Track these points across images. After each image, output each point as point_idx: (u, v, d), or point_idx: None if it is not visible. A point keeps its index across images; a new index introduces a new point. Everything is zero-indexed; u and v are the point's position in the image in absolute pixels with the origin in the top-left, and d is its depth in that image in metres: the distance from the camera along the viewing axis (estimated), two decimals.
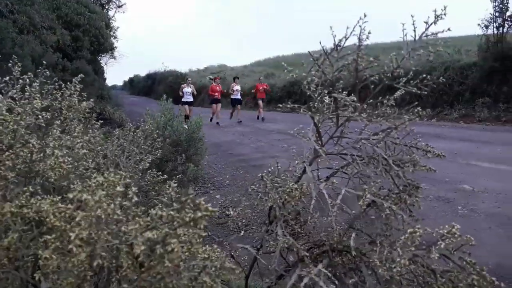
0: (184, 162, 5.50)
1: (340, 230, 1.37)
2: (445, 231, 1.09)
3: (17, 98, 1.31)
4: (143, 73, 47.14)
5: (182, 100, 14.78)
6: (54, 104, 1.49)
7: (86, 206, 0.91)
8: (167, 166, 5.28)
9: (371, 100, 1.47)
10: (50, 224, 0.91)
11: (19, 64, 1.39)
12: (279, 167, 1.55)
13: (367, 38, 1.39)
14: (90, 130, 1.77)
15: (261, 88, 16.77)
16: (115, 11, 22.62)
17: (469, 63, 13.79)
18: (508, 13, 12.68)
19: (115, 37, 19.11)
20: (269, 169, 1.53)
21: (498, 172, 5.99)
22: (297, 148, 8.67)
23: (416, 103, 1.46)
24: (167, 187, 1.11)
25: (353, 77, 1.40)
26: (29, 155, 1.25)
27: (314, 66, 1.40)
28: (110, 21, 19.16)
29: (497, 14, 12.86)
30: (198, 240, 0.91)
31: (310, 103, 1.47)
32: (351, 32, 1.34)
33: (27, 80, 1.35)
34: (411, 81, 1.41)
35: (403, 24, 1.39)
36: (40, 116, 1.37)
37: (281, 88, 21.09)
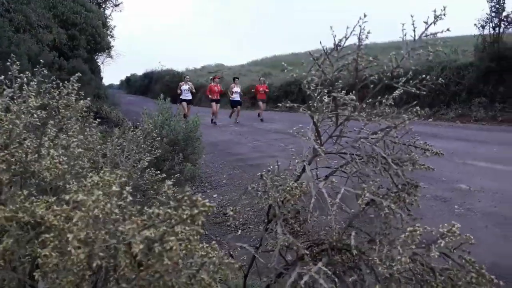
0: (182, 161, 5.49)
1: (339, 229, 1.38)
2: (445, 229, 1.09)
3: (15, 97, 1.30)
4: (140, 72, 47.06)
5: (181, 98, 14.62)
6: (52, 103, 1.48)
7: (83, 206, 0.90)
8: (164, 165, 5.27)
9: (370, 100, 1.47)
10: (48, 223, 0.91)
11: (10, 62, 1.38)
12: (278, 165, 1.55)
13: (367, 37, 1.40)
14: (87, 129, 1.76)
15: (261, 89, 16.50)
16: (112, 10, 22.53)
17: (466, 63, 13.87)
18: (504, 14, 12.76)
19: (111, 36, 19.03)
20: (269, 168, 1.53)
21: (494, 172, 6.03)
22: (294, 147, 8.64)
23: (415, 103, 1.47)
24: (165, 186, 1.11)
25: (353, 76, 1.40)
26: (24, 155, 1.24)
27: (314, 65, 1.40)
28: (107, 20, 19.09)
29: (493, 14, 12.94)
30: (196, 237, 0.91)
31: (310, 102, 1.47)
32: (351, 32, 1.35)
33: (25, 79, 1.34)
34: (411, 81, 1.42)
35: (402, 24, 1.39)
36: (35, 115, 1.36)
37: (278, 88, 21.11)
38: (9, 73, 1.34)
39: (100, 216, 0.90)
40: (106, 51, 18.55)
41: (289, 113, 17.69)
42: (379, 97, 1.47)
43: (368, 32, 1.39)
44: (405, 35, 1.39)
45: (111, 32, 19.00)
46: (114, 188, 0.97)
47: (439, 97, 13.73)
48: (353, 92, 1.44)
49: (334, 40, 1.38)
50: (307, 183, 1.34)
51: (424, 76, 1.41)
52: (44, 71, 1.47)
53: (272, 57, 32.85)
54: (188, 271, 0.97)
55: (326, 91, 1.45)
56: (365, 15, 1.37)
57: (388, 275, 1.07)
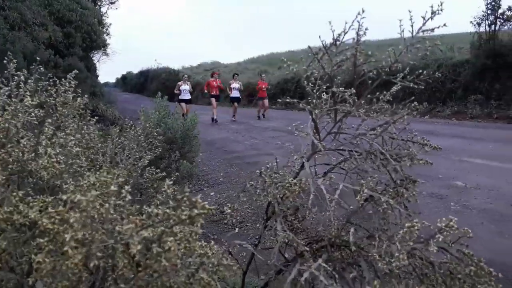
0: (179, 159, 5.48)
1: (338, 225, 1.38)
2: (443, 224, 1.10)
3: (12, 96, 1.29)
4: (135, 70, 46.94)
5: (180, 98, 14.23)
6: (49, 100, 1.47)
7: (79, 206, 0.89)
8: (161, 164, 5.25)
9: (368, 96, 1.47)
10: (42, 227, 0.89)
11: (7, 60, 1.37)
12: (277, 162, 1.55)
13: (365, 34, 1.40)
14: (85, 127, 1.75)
15: (263, 86, 16.09)
16: (108, 8, 22.44)
17: (462, 61, 13.93)
18: (500, 11, 12.81)
19: (107, 34, 18.93)
20: (267, 165, 1.52)
21: (490, 169, 6.06)
22: (291, 145, 8.68)
23: (412, 98, 1.47)
24: (165, 185, 1.10)
25: (351, 72, 1.40)
26: (21, 154, 1.23)
27: (313, 60, 1.40)
28: (103, 17, 19.00)
29: (489, 11, 12.99)
30: (194, 237, 0.90)
31: (309, 98, 1.47)
32: (350, 27, 1.35)
33: (22, 77, 1.33)
34: (408, 77, 1.42)
35: (400, 20, 1.40)
36: (32, 114, 1.35)
37: (274, 85, 21.08)
38: (6, 71, 1.33)
39: (96, 216, 0.89)
40: (102, 48, 18.47)
41: (285, 111, 17.70)
42: (377, 93, 1.47)
43: (366, 29, 1.39)
44: (403, 31, 1.39)
45: (106, 29, 18.91)
46: (112, 188, 0.96)
47: (435, 95, 13.78)
48: (351, 88, 1.44)
49: (333, 35, 1.37)
50: (305, 180, 1.34)
51: (421, 71, 1.42)
52: (41, 68, 1.46)
53: (268, 55, 32.81)
54: (187, 271, 0.96)
55: (325, 87, 1.44)
56: (363, 11, 1.37)
57: (388, 270, 1.07)
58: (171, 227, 0.85)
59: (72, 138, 1.42)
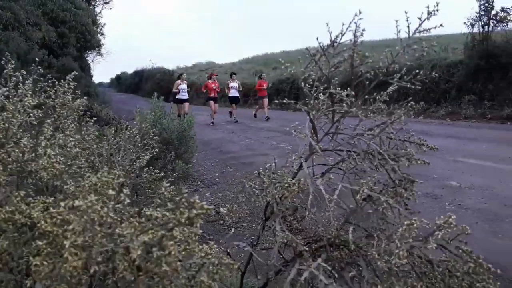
0: (174, 159, 5.47)
1: (337, 225, 1.39)
2: (442, 221, 1.11)
3: (10, 96, 1.29)
4: (130, 70, 46.78)
5: (177, 97, 13.88)
6: (48, 101, 1.47)
7: (79, 210, 0.89)
8: (157, 164, 5.24)
9: (366, 96, 1.48)
10: (41, 230, 0.89)
11: (4, 60, 1.36)
12: (276, 163, 1.55)
13: (362, 35, 1.41)
14: (84, 128, 1.75)
15: (264, 85, 15.66)
16: (102, 8, 22.30)
17: (456, 61, 14.01)
18: (493, 12, 12.91)
19: (102, 34, 18.83)
20: (266, 166, 1.53)
21: (484, 169, 6.10)
22: (286, 145, 8.70)
23: (410, 98, 1.49)
24: (163, 187, 1.09)
25: (349, 73, 1.41)
26: (20, 155, 1.23)
27: (311, 62, 1.41)
28: (97, 17, 18.89)
29: (482, 12, 13.08)
30: (194, 238, 0.90)
31: (306, 99, 1.48)
32: (347, 28, 1.36)
33: (20, 78, 1.33)
34: (405, 77, 1.43)
35: (396, 21, 1.41)
36: (32, 114, 1.35)
37: (269, 86, 21.06)
38: (4, 72, 1.32)
39: (96, 219, 0.89)
40: (96, 49, 18.37)
41: (280, 111, 17.70)
42: (374, 94, 1.48)
43: (363, 30, 1.40)
44: (399, 32, 1.40)
45: (101, 29, 18.82)
46: (110, 192, 0.96)
47: (429, 95, 13.85)
48: (348, 89, 1.45)
49: (331, 37, 1.38)
50: (304, 180, 1.34)
51: (418, 71, 1.43)
52: (40, 69, 1.45)
53: (263, 55, 32.82)
54: (188, 273, 0.96)
55: (322, 88, 1.45)
56: (360, 12, 1.38)
57: (387, 269, 1.08)
58: (171, 229, 0.85)
59: (71, 139, 1.41)
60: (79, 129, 1.70)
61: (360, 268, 1.22)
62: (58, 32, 13.72)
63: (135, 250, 0.83)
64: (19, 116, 1.24)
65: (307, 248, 1.27)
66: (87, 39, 15.69)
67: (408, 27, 1.37)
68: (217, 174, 7.17)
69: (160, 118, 5.47)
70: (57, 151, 1.30)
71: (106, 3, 22.21)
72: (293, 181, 1.34)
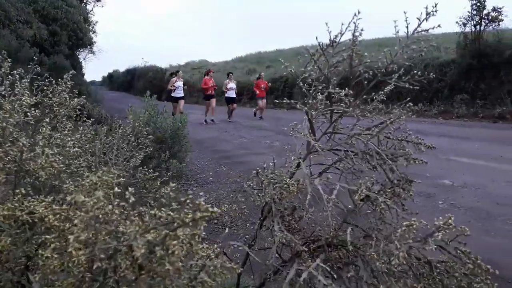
0: (168, 159, 5.44)
1: (335, 225, 1.38)
2: (441, 222, 1.11)
3: (6, 95, 1.27)
4: (122, 68, 46.45)
5: (172, 95, 13.68)
6: (45, 100, 1.45)
7: (83, 207, 0.88)
8: (151, 163, 5.21)
9: (364, 96, 1.48)
10: (48, 224, 0.88)
11: (8, 60, 1.34)
12: (274, 163, 1.55)
13: (360, 34, 1.41)
14: (81, 127, 1.73)
15: (262, 85, 15.31)
16: (94, 5, 22.09)
17: (448, 60, 14.13)
18: (485, 12, 13.02)
19: (93, 32, 18.67)
20: (264, 166, 1.52)
21: (476, 168, 6.16)
22: (280, 144, 8.69)
23: (408, 99, 1.49)
24: (165, 188, 1.08)
25: (347, 73, 1.41)
26: (19, 154, 1.21)
27: (310, 62, 1.40)
28: (89, 15, 18.73)
29: (474, 12, 13.20)
30: (197, 240, 0.90)
31: (305, 99, 1.47)
32: (346, 28, 1.35)
33: (17, 77, 1.31)
34: (403, 77, 1.44)
35: (395, 21, 1.41)
36: (29, 114, 1.33)
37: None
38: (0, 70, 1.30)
39: (101, 216, 0.88)
40: (88, 47, 18.22)
41: (274, 110, 17.70)
42: (373, 93, 1.48)
43: (362, 30, 1.40)
44: (398, 32, 1.41)
45: (93, 27, 18.65)
46: (116, 189, 0.95)
47: (422, 94, 13.94)
48: (346, 89, 1.45)
49: (330, 36, 1.38)
50: (302, 180, 1.34)
51: (416, 71, 1.43)
52: (38, 68, 1.43)
53: (256, 54, 32.73)
54: (190, 274, 0.96)
55: (320, 87, 1.45)
56: (359, 12, 1.38)
57: (386, 269, 1.08)
58: (175, 230, 0.85)
59: (70, 138, 1.40)
60: (76, 129, 1.68)
61: (358, 268, 1.22)
62: (49, 29, 13.58)
63: (139, 248, 0.82)
64: (16, 115, 1.22)
65: (306, 249, 1.27)
66: (79, 37, 15.55)
67: (407, 27, 1.37)
68: (210, 173, 7.15)
69: (154, 117, 5.43)
70: (55, 151, 1.28)
71: (97, 0, 22.02)
72: (292, 181, 1.34)
